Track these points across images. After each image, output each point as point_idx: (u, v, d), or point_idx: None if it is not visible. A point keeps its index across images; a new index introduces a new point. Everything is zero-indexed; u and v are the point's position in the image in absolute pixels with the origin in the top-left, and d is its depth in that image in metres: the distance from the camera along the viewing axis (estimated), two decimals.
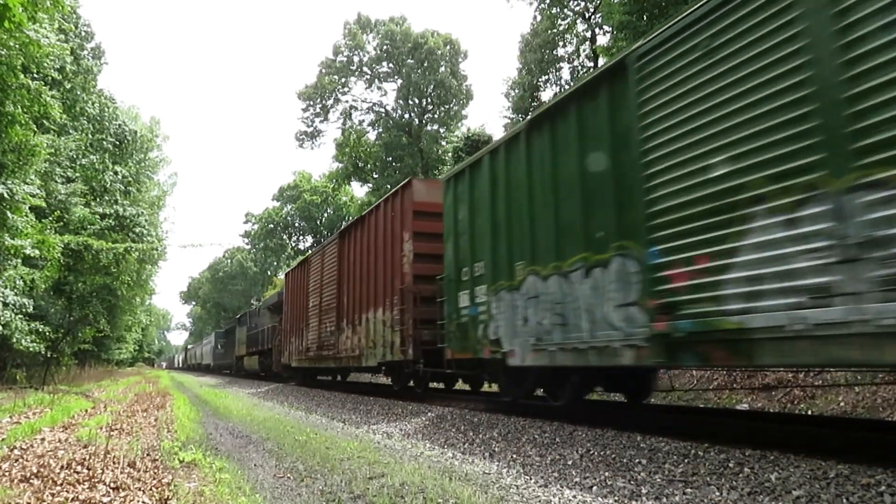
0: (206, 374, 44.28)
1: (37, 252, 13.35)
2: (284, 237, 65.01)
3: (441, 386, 11.97)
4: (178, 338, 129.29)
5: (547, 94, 25.84)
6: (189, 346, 79.66)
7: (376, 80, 38.47)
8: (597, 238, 5.58)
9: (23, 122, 11.66)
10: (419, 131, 37.66)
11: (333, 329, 13.57)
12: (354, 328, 12.26)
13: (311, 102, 38.42)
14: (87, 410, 9.93)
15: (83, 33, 22.33)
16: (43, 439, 6.24)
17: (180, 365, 79.07)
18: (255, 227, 66.00)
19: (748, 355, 4.05)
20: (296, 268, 18.46)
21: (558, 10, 24.45)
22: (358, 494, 3.92)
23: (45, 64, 12.59)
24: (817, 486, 3.44)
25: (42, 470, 4.46)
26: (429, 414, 8.41)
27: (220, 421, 8.91)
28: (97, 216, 20.95)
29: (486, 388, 11.71)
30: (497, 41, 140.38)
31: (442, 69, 36.81)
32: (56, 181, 17.67)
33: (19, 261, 13.66)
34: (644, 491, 3.93)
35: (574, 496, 3.93)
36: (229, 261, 72.13)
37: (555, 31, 24.79)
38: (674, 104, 4.68)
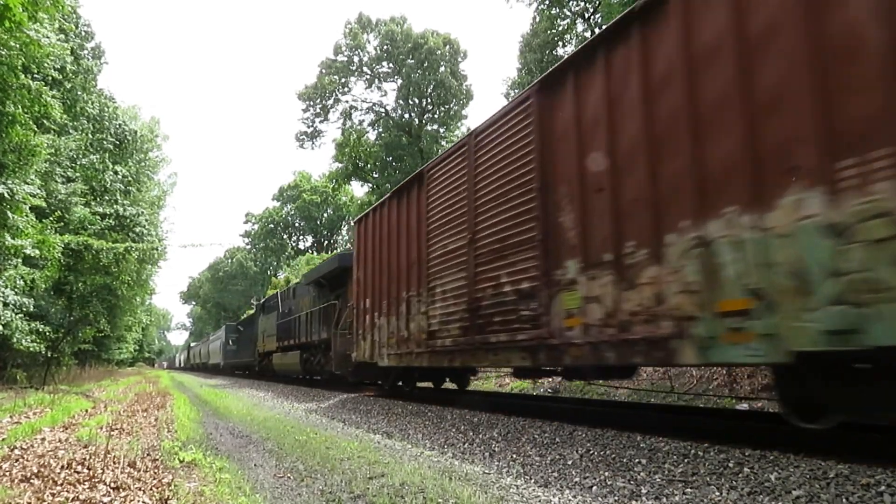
0: (215, 376, 36.16)
1: (37, 252, 13.38)
2: (284, 237, 65.14)
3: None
4: (178, 338, 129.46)
5: None
6: (192, 345, 70.03)
7: (376, 80, 38.52)
8: None
9: (23, 122, 11.69)
10: (419, 131, 37.69)
11: (536, 285, 6.26)
12: (624, 274, 5.16)
13: (312, 103, 38.46)
14: (87, 410, 9.94)
15: (83, 33, 22.37)
16: (43, 439, 6.25)
17: (182, 365, 74.15)
18: (255, 227, 66.15)
19: None
20: (385, 203, 10.60)
21: (557, 10, 24.45)
22: (358, 494, 3.93)
23: (46, 64, 12.61)
24: (817, 486, 3.44)
25: (42, 470, 4.47)
26: (428, 414, 8.42)
27: (220, 421, 8.92)
28: (97, 216, 21.00)
29: None
30: (497, 41, 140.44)
31: (442, 69, 36.85)
32: (56, 181, 17.70)
33: (20, 261, 13.67)
34: (644, 491, 3.93)
35: (574, 496, 3.93)
36: (229, 261, 72.22)
37: (554, 31, 24.78)
38: None
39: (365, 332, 11.19)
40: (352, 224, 12.90)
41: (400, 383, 11.99)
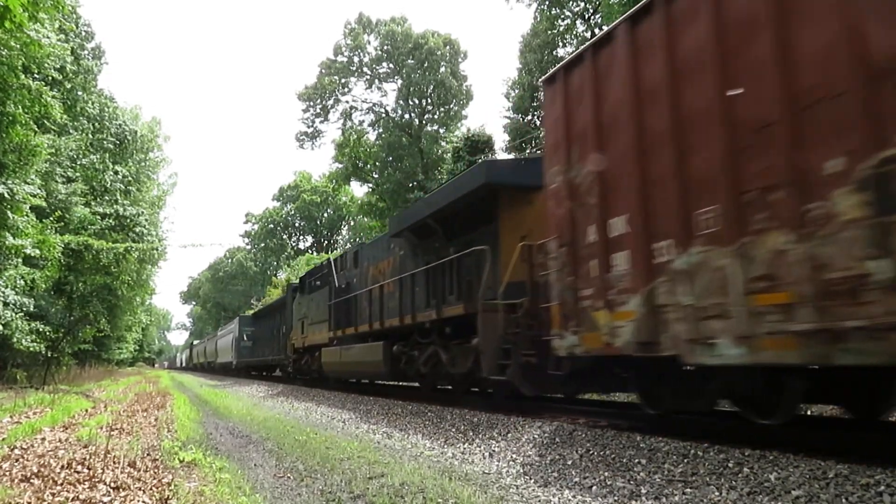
0: (227, 378, 30.89)
1: (37, 252, 13.40)
2: (284, 237, 65.16)
3: None
4: (178, 338, 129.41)
5: None
6: (195, 343, 64.45)
7: (376, 81, 38.54)
8: None
9: (24, 122, 11.70)
10: (419, 131, 37.70)
11: None
12: None
13: (312, 103, 38.50)
14: (87, 410, 9.94)
15: (83, 33, 22.41)
16: (43, 439, 6.26)
17: (183, 365, 70.81)
18: (256, 227, 66.17)
19: None
20: None
21: (557, 11, 24.47)
22: (358, 494, 3.93)
23: (46, 64, 12.63)
24: (817, 486, 3.44)
25: (42, 469, 4.47)
26: (428, 414, 8.42)
27: (220, 421, 8.92)
28: (97, 216, 21.03)
29: None
30: (497, 41, 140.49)
31: (442, 69, 36.86)
32: (56, 181, 17.72)
33: (20, 260, 13.68)
34: (644, 491, 3.93)
35: (574, 496, 3.93)
36: (229, 261, 72.24)
37: (554, 31, 24.80)
38: None
39: (615, 289, 5.21)
40: (540, 86, 6.67)
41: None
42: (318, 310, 15.48)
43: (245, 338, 29.09)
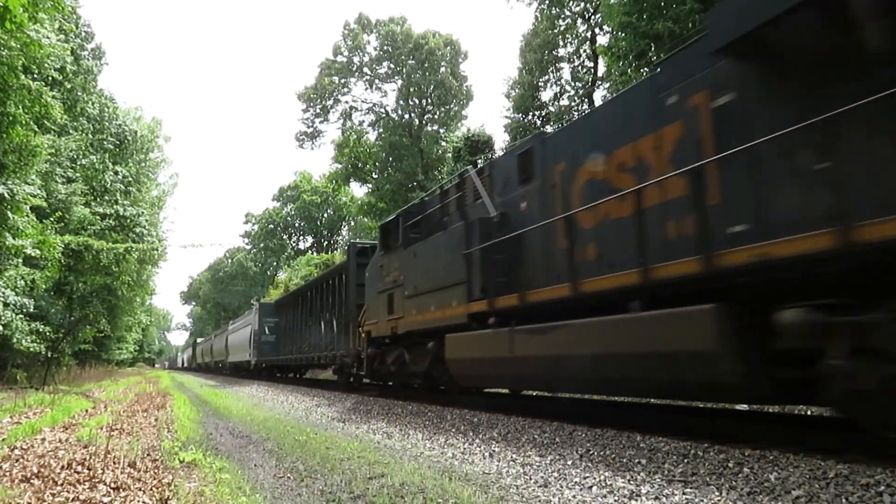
0: (230, 378, 27.65)
1: (37, 252, 13.39)
2: (284, 237, 65.17)
3: None
4: (178, 338, 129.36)
5: (547, 94, 25.91)
6: (199, 340, 58.22)
7: (376, 81, 38.54)
8: None
9: (24, 122, 11.69)
10: (419, 132, 37.70)
11: None
12: None
13: (311, 103, 38.50)
14: (87, 410, 9.94)
15: (83, 34, 22.42)
16: (43, 439, 6.25)
17: (185, 365, 67.67)
18: (256, 227, 66.19)
19: None
20: None
21: (558, 10, 24.46)
22: (358, 494, 3.93)
23: (46, 64, 12.62)
24: (817, 486, 3.44)
25: (42, 470, 4.47)
26: (428, 414, 8.41)
27: (220, 421, 8.92)
28: (97, 216, 21.04)
29: None
30: (497, 41, 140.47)
31: (442, 70, 36.86)
32: (57, 181, 17.73)
33: (20, 261, 13.68)
34: (644, 491, 3.93)
35: (574, 496, 3.93)
36: (229, 261, 72.27)
37: (555, 31, 24.80)
38: None
39: None
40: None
41: None
42: (431, 270, 8.92)
43: (267, 331, 23.53)
